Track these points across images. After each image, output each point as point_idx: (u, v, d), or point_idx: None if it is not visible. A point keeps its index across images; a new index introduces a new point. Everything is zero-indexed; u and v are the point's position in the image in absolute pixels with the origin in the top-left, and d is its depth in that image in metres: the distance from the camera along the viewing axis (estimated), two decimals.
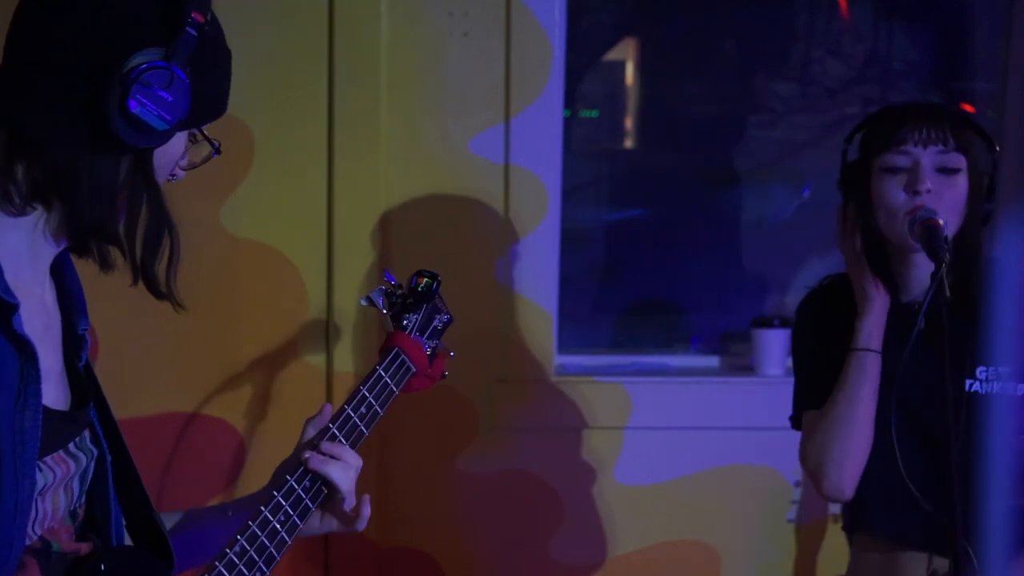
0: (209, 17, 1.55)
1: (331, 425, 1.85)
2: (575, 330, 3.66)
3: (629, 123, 4.13)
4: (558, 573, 3.34)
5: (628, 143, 4.15)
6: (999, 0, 3.62)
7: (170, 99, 1.50)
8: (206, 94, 1.56)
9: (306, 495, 1.79)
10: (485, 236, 3.24)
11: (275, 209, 3.15)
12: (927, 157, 2.24)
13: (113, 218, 1.55)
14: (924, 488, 2.14)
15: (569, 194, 3.56)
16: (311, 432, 1.87)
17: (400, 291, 2.05)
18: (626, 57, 4.08)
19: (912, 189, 2.23)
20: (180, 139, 1.58)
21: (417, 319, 2.03)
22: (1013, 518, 2.21)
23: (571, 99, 3.68)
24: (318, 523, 1.85)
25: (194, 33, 1.52)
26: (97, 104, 1.49)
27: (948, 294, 2.07)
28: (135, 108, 1.49)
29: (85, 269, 1.62)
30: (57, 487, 1.58)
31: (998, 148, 2.31)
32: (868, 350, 2.28)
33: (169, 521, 1.80)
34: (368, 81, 3.15)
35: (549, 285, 3.30)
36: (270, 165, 3.14)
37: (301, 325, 3.18)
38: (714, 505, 3.34)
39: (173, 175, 1.61)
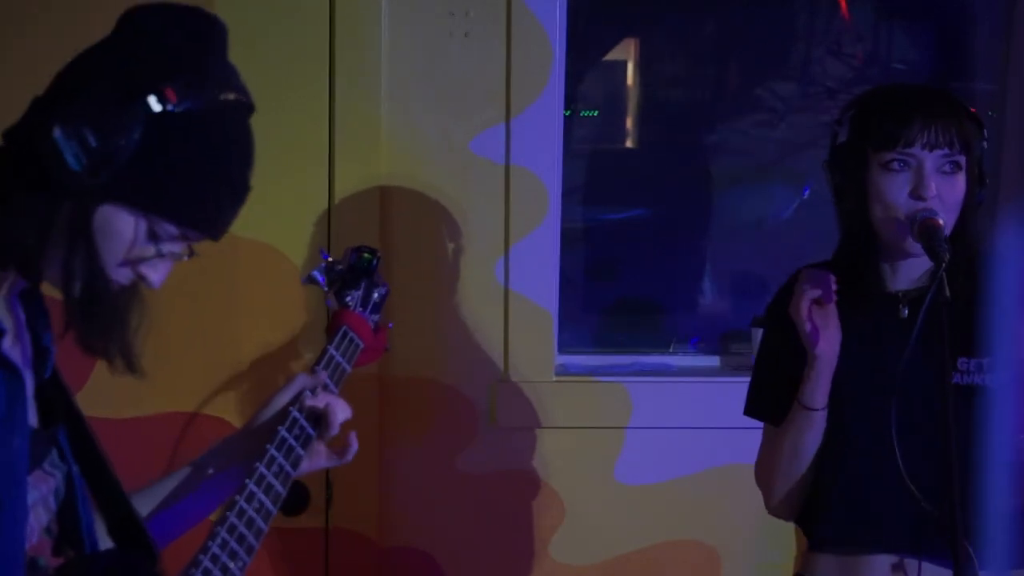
0: (189, 108, 1.50)
1: (291, 409, 1.87)
2: (575, 330, 3.66)
3: (629, 123, 4.13)
4: (558, 573, 3.34)
5: (628, 143, 4.15)
6: (999, 0, 3.62)
7: (95, 145, 1.47)
8: (161, 182, 1.51)
9: (297, 442, 1.83)
10: (485, 236, 3.24)
11: (275, 209, 3.15)
12: (931, 160, 2.21)
13: (35, 256, 1.52)
14: (909, 475, 2.13)
15: (569, 194, 3.56)
16: (286, 397, 1.92)
17: (339, 267, 2.06)
18: (626, 57, 4.08)
19: (917, 194, 2.21)
20: (127, 220, 1.53)
21: (359, 295, 2.05)
22: (1005, 508, 2.22)
23: (571, 99, 3.68)
24: (307, 464, 1.88)
25: (156, 107, 1.48)
26: (39, 127, 1.48)
27: (948, 294, 2.06)
28: (57, 135, 1.46)
29: None
30: (37, 504, 1.59)
31: (987, 135, 2.28)
32: (814, 409, 2.27)
33: (146, 500, 1.82)
34: (368, 81, 3.15)
35: (549, 285, 3.30)
36: (270, 165, 3.12)
37: (301, 325, 3.18)
38: (714, 505, 3.34)
39: (135, 269, 1.56)
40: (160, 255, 1.56)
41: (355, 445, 1.90)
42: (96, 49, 1.54)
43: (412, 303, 3.21)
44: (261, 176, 3.27)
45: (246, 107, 1.59)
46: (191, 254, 1.61)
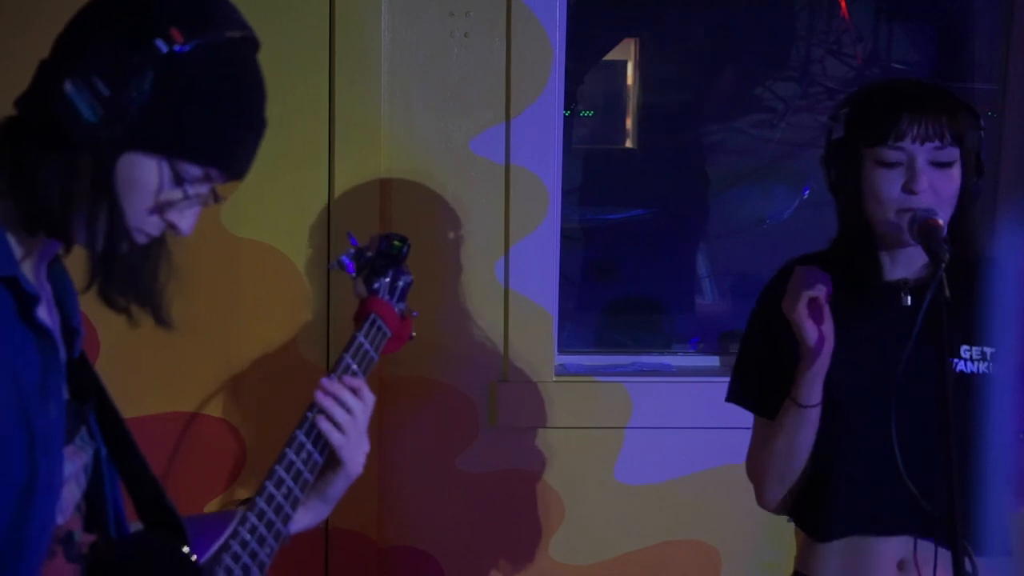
0: (196, 46, 1.51)
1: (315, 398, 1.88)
2: (575, 330, 3.66)
3: (628, 123, 4.14)
4: (558, 573, 3.34)
5: (628, 143, 4.16)
6: (999, 0, 3.62)
7: (107, 94, 1.48)
8: (178, 123, 1.52)
9: (315, 448, 1.84)
10: (485, 236, 3.24)
11: (275, 209, 3.15)
12: (923, 154, 2.21)
13: (63, 216, 1.53)
14: (909, 472, 2.14)
15: (569, 194, 3.56)
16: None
17: (368, 254, 2.05)
18: (626, 57, 4.09)
19: (908, 188, 2.21)
20: (149, 166, 1.54)
21: (387, 282, 2.04)
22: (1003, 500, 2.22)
23: (571, 99, 3.69)
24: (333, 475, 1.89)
25: (163, 49, 1.49)
26: (49, 86, 1.50)
27: (948, 294, 2.06)
28: (68, 89, 1.48)
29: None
30: (70, 479, 1.61)
31: (983, 125, 2.28)
32: (809, 406, 2.27)
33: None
34: (368, 81, 3.16)
35: (549, 285, 3.30)
36: (270, 165, 3.13)
37: (301, 325, 3.18)
38: (715, 505, 3.34)
39: (172, 225, 1.57)
40: (187, 197, 1.57)
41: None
42: (95, 3, 1.55)
43: (412, 303, 3.21)
44: (261, 176, 3.27)
45: (252, 43, 1.60)
46: (216, 198, 1.61)
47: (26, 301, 1.53)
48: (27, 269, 1.57)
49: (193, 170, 1.56)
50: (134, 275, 1.59)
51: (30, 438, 1.51)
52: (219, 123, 1.55)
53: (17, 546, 1.51)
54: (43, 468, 1.52)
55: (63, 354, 1.61)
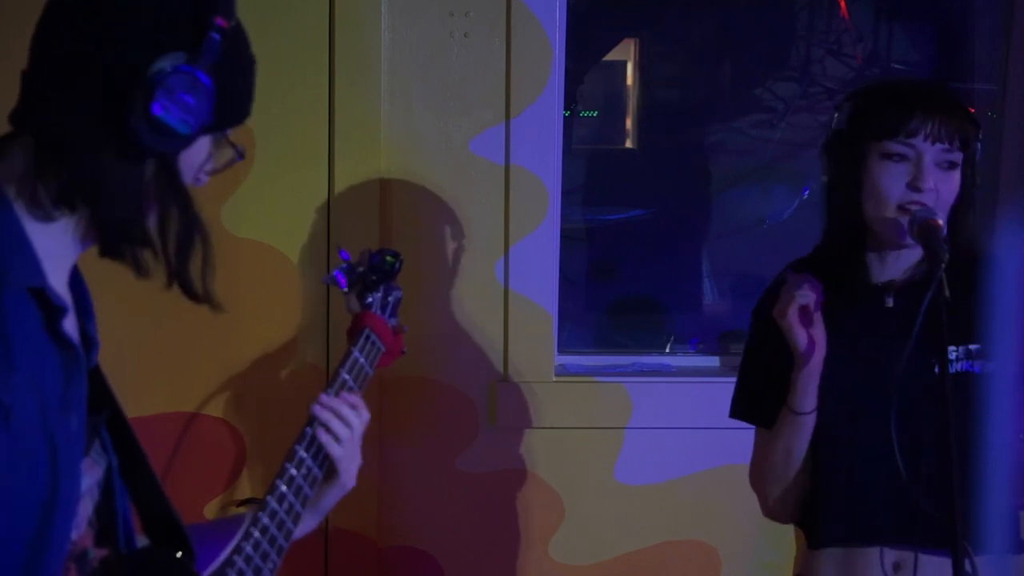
0: (233, 23, 1.55)
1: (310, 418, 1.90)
2: (575, 330, 3.66)
3: (629, 123, 4.14)
4: (558, 573, 3.34)
5: (628, 143, 4.16)
6: (999, 0, 3.62)
7: (193, 103, 1.49)
8: (229, 98, 1.55)
9: (315, 463, 1.85)
10: (485, 236, 3.24)
11: (275, 209, 3.15)
12: (931, 153, 2.21)
13: (141, 220, 1.54)
14: (908, 473, 2.14)
15: (569, 194, 3.56)
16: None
17: (360, 269, 2.05)
18: (626, 57, 4.09)
19: (914, 186, 2.21)
20: (204, 143, 1.57)
21: (379, 297, 2.04)
22: (997, 499, 2.22)
23: (571, 99, 3.69)
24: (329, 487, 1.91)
25: (218, 38, 1.51)
26: (121, 108, 1.49)
27: (947, 294, 2.06)
28: (159, 112, 1.48)
29: (84, 269, 1.62)
30: (86, 494, 1.61)
31: (982, 137, 2.28)
32: (804, 413, 2.27)
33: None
34: (368, 81, 3.16)
35: (549, 285, 3.30)
36: (270, 165, 3.14)
37: (301, 325, 3.18)
38: (715, 505, 3.34)
39: (197, 179, 1.60)
40: (237, 154, 1.61)
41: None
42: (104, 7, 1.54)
43: (412, 303, 3.21)
44: (261, 176, 3.28)
45: None
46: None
47: (52, 312, 1.52)
48: (57, 280, 1.55)
49: (227, 132, 1.60)
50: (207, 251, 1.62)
51: (53, 453, 1.50)
52: (243, 85, 1.59)
53: (34, 565, 1.49)
54: (64, 483, 1.51)
55: (84, 366, 1.60)
